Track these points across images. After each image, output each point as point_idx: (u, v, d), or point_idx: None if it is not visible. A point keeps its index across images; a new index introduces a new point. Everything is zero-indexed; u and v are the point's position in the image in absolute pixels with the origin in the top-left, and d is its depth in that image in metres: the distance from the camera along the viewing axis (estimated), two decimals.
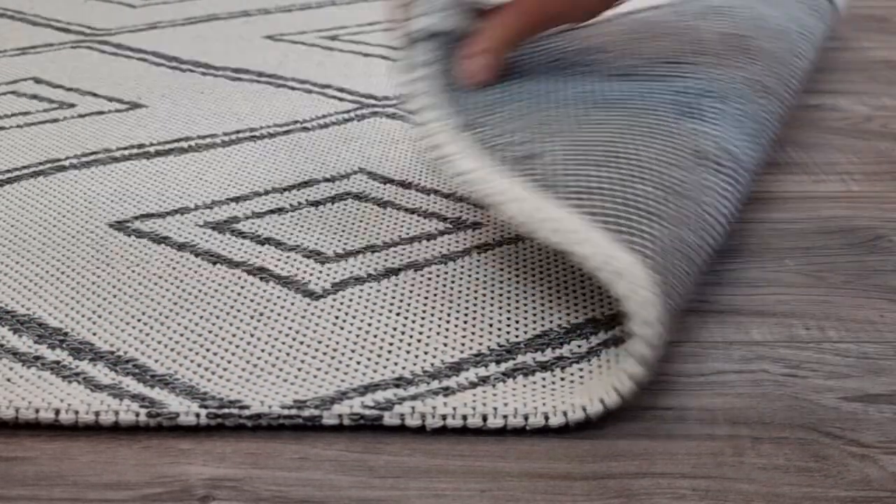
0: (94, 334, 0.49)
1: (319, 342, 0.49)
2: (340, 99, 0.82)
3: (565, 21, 0.63)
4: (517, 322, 0.50)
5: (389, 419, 0.44)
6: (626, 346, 0.44)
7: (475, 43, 0.59)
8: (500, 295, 0.53)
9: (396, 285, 0.53)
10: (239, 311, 0.51)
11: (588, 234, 0.46)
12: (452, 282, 0.54)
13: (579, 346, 0.48)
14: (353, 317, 0.51)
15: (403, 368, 0.47)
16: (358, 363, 0.47)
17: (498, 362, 0.47)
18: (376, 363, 0.47)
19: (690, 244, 0.48)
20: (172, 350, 0.48)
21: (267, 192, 0.65)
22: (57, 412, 0.43)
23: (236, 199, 0.64)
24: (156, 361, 0.47)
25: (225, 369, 0.47)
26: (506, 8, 0.60)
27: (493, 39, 0.59)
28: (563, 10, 0.61)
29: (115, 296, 0.52)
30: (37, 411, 0.43)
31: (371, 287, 0.53)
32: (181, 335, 0.49)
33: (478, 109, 0.56)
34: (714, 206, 0.52)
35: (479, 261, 0.56)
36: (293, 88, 0.85)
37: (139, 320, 0.50)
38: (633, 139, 0.54)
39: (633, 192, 0.49)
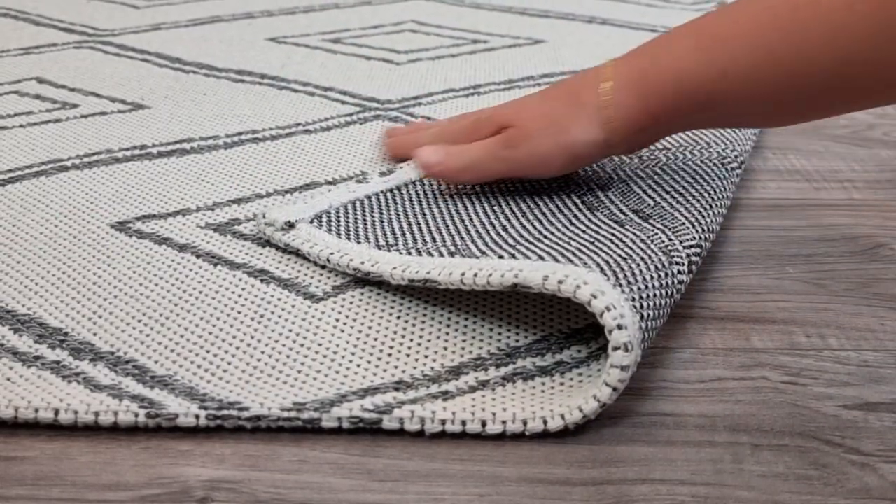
0: (95, 334, 0.49)
1: (319, 345, 0.49)
2: (343, 102, 0.82)
3: (528, 177, 0.61)
4: (517, 326, 0.50)
5: (388, 423, 0.44)
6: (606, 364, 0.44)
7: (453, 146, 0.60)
8: (501, 299, 0.53)
9: (397, 288, 0.53)
10: (239, 312, 0.51)
11: (568, 270, 0.46)
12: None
13: (579, 352, 0.48)
14: (354, 320, 0.51)
15: (403, 372, 0.47)
16: (358, 366, 0.47)
17: (498, 366, 0.47)
18: (376, 366, 0.47)
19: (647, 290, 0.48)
20: (172, 351, 0.48)
21: (269, 194, 0.65)
22: (56, 412, 0.43)
23: (238, 201, 0.64)
24: (156, 362, 0.47)
25: (225, 371, 0.46)
26: (488, 141, 0.59)
27: (458, 146, 0.60)
28: (529, 171, 0.59)
29: (115, 296, 0.52)
30: (36, 411, 0.43)
31: (372, 290, 0.53)
32: (181, 336, 0.49)
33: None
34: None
35: None
36: (296, 91, 0.85)
37: (140, 321, 0.50)
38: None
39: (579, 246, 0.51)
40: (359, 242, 0.55)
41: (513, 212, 0.59)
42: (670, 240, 0.52)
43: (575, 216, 0.57)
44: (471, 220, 0.58)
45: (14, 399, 0.44)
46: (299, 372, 0.47)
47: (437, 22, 1.08)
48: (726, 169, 0.64)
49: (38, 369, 0.46)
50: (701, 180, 0.62)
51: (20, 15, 1.10)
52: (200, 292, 0.53)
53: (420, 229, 0.56)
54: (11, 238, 0.58)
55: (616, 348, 0.43)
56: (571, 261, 0.48)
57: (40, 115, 0.79)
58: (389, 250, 0.54)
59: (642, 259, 0.49)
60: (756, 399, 0.46)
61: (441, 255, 0.52)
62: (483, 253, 0.52)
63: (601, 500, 0.40)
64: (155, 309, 0.51)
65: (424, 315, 0.51)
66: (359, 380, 0.46)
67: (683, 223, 0.55)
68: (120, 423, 0.43)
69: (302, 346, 0.49)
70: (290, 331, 0.50)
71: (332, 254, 0.54)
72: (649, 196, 0.59)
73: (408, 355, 0.48)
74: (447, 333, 0.50)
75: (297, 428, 0.44)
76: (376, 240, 0.55)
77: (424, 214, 0.58)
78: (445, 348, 0.49)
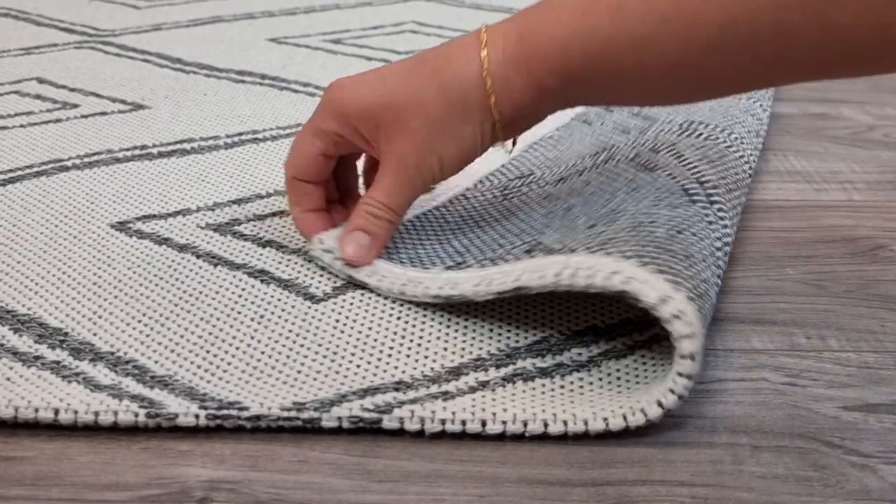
0: (95, 335, 0.49)
1: (319, 345, 0.49)
2: None
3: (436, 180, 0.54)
4: (517, 327, 0.50)
5: (388, 423, 0.44)
6: (671, 371, 0.43)
7: (349, 223, 0.54)
8: (501, 300, 0.52)
9: None
10: (239, 313, 0.51)
11: (639, 274, 0.45)
12: None
13: (579, 354, 0.48)
14: (354, 320, 0.51)
15: (403, 372, 0.47)
16: (358, 366, 0.47)
17: (498, 367, 0.47)
18: (376, 366, 0.47)
19: (707, 279, 0.48)
20: (172, 351, 0.48)
21: (269, 195, 0.65)
22: (56, 412, 0.43)
23: (238, 202, 0.64)
24: (156, 362, 0.47)
25: (225, 371, 0.46)
26: (374, 183, 0.53)
27: (362, 216, 0.53)
28: (429, 174, 0.53)
29: (115, 296, 0.52)
30: (36, 411, 0.43)
31: (372, 291, 0.53)
32: (181, 336, 0.49)
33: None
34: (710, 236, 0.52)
35: None
36: (296, 91, 0.85)
37: (140, 321, 0.50)
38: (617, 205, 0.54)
39: (648, 238, 0.48)
40: (426, 268, 0.53)
41: (569, 194, 0.58)
42: (723, 224, 0.53)
43: (637, 183, 0.56)
44: (521, 223, 0.57)
45: (14, 399, 0.44)
46: (299, 372, 0.47)
47: (438, 23, 1.08)
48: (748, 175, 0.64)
49: (38, 369, 0.46)
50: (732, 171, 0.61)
51: (21, 15, 1.10)
52: (200, 293, 0.53)
53: (481, 239, 0.56)
54: (12, 238, 0.58)
55: (684, 357, 0.42)
56: (640, 255, 0.46)
57: (41, 115, 0.79)
58: (460, 268, 0.52)
59: (703, 259, 0.48)
60: (756, 400, 0.46)
61: (517, 258, 0.51)
62: (558, 250, 0.49)
63: (601, 501, 0.40)
64: (155, 309, 0.51)
65: (424, 315, 0.51)
66: (359, 380, 0.46)
67: (734, 207, 0.56)
68: (120, 423, 0.43)
69: (302, 346, 0.49)
70: (290, 331, 0.50)
71: (404, 285, 0.52)
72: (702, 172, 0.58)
73: (408, 355, 0.48)
74: (447, 334, 0.50)
75: (297, 428, 0.44)
76: (442, 261, 0.54)
77: (480, 225, 0.58)
78: (445, 349, 0.49)
